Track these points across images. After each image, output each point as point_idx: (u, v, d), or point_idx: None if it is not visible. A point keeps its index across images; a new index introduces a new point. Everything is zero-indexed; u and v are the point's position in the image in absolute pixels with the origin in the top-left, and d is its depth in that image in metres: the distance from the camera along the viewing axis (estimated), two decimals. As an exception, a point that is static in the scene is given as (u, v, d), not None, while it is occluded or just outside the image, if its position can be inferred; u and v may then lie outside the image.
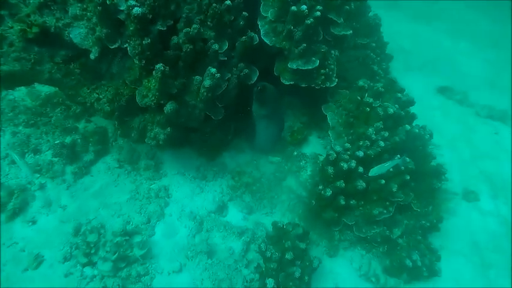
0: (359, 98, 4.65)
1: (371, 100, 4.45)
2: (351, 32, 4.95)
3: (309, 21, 4.21)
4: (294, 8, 4.17)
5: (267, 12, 4.44)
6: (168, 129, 3.88)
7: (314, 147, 5.27)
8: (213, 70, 3.72)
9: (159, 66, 3.35)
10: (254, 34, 4.29)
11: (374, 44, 6.51)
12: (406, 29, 10.87)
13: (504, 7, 13.79)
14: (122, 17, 3.40)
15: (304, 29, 4.29)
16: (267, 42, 4.45)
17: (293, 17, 4.24)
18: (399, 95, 4.74)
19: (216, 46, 3.80)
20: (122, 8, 3.37)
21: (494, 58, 10.23)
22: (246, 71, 4.26)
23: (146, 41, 3.35)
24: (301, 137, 5.15)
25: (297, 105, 5.57)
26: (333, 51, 4.86)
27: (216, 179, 4.74)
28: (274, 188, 4.79)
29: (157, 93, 3.59)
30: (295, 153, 5.09)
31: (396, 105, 4.63)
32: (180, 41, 3.67)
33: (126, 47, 3.48)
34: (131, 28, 3.30)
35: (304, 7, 4.17)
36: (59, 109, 4.40)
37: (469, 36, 11.46)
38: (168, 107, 3.65)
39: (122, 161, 4.38)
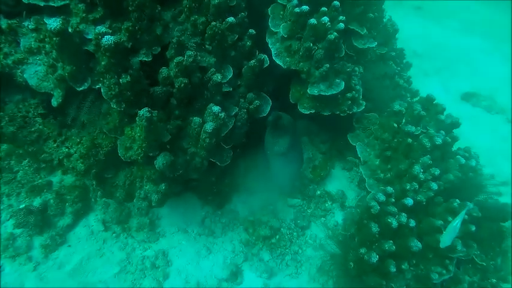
0: (395, 125, 3.71)
1: (413, 129, 3.51)
2: (376, 43, 4.03)
3: (332, 36, 3.28)
4: (313, 20, 3.24)
5: (278, 27, 3.51)
6: (162, 186, 2.95)
7: (340, 182, 4.33)
8: (216, 109, 2.79)
9: (144, 112, 2.41)
10: (264, 56, 3.36)
11: (394, 53, 5.62)
12: (414, 29, 9.93)
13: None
14: (90, 48, 2.47)
15: (327, 46, 3.36)
16: (280, 64, 3.52)
17: (312, 31, 3.31)
18: (442, 116, 3.80)
19: (218, 77, 2.86)
20: (89, 37, 2.44)
21: (514, 54, 9.27)
22: (257, 102, 3.32)
23: (125, 78, 2.41)
24: (325, 173, 4.21)
25: (314, 130, 4.64)
26: (356, 68, 3.93)
27: (225, 234, 3.78)
28: (297, 239, 3.84)
29: (144, 145, 2.65)
30: (318, 192, 4.14)
31: (442, 132, 3.68)
32: (172, 73, 2.74)
33: (100, 88, 2.55)
34: (103, 63, 2.37)
35: (325, 19, 3.24)
36: (26, 161, 3.45)
37: (482, 32, 10.50)
38: (160, 161, 2.71)
39: (109, 222, 3.42)
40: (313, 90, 3.52)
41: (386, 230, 2.99)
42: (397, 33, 5.70)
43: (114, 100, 2.52)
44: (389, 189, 3.24)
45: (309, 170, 4.21)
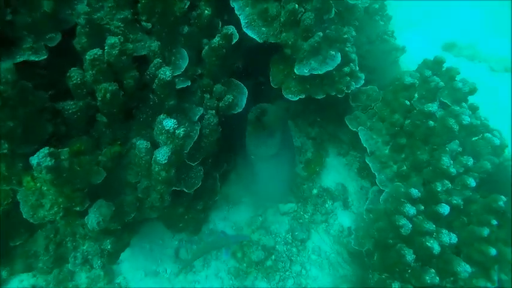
0: (407, 102, 2.79)
1: (434, 107, 2.61)
2: (369, -4, 2.99)
3: (325, -9, 2.21)
4: (297, -31, 2.13)
5: (246, -17, 2.37)
6: (108, 243, 1.91)
7: (337, 172, 3.44)
8: (170, 124, 1.71)
9: (41, 160, 1.31)
10: (231, 28, 2.25)
11: (377, 6, 4.60)
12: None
13: None
14: None
15: (318, 6, 2.30)
16: (254, 37, 2.42)
17: (297, -14, 2.22)
18: (458, 84, 2.92)
19: (166, 73, 1.75)
20: None
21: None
22: (230, 98, 2.26)
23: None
24: (320, 168, 3.30)
25: (298, 110, 3.67)
26: (345, 30, 2.90)
27: (208, 265, 2.86)
28: (298, 256, 3.00)
29: (60, 200, 1.58)
30: (315, 190, 3.25)
31: (464, 104, 2.85)
32: (88, 76, 1.60)
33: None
34: None
35: (314, -35, 2.15)
36: None
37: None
38: (94, 220, 1.65)
39: (42, 286, 2.37)
40: (302, 70, 2.48)
41: (422, 252, 2.18)
42: (380, -21, 4.65)
43: (-16, 140, 1.39)
44: (415, 192, 2.39)
45: (301, 166, 3.29)
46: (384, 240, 2.36)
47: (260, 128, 2.46)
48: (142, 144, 1.73)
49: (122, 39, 1.57)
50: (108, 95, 1.57)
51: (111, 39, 1.53)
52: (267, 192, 2.96)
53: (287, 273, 2.89)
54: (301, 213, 3.17)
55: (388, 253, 2.30)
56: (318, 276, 2.88)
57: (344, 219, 3.15)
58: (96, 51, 1.46)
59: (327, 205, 3.21)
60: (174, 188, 2.13)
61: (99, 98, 1.58)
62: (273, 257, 2.93)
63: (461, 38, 6.83)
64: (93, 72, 1.52)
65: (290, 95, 2.66)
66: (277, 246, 2.98)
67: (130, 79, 1.68)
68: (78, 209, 1.67)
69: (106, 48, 1.55)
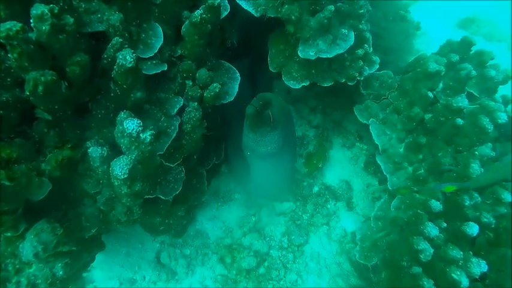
0: (430, 94, 2.32)
1: (464, 103, 2.15)
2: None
3: (341, -49, 1.69)
4: None
5: None
6: (59, 267, 1.52)
7: (341, 167, 3.02)
8: (132, 126, 1.27)
9: None
10: (220, -2, 1.74)
11: (393, -26, 3.99)
12: None
13: None
14: None
15: (331, -29, 1.78)
16: (249, 9, 1.92)
17: None
18: (491, 72, 2.43)
19: (126, 57, 1.28)
20: None
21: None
22: (217, 86, 1.80)
23: None
24: (323, 163, 2.88)
25: (299, 94, 3.21)
26: (362, 2, 2.36)
27: (193, 271, 2.51)
28: (294, 263, 2.64)
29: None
30: (316, 188, 2.85)
31: (497, 97, 2.39)
32: (14, 60, 1.14)
33: None
34: None
35: None
36: None
37: None
38: (30, 250, 1.24)
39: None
40: (307, 52, 2.01)
41: (444, 282, 1.80)
42: None
43: None
44: (436, 204, 1.98)
45: (302, 161, 2.87)
46: (395, 261, 1.98)
47: (261, 123, 1.98)
48: (95, 152, 1.29)
49: (56, 9, 1.09)
50: (40, 88, 1.11)
51: (38, 9, 1.04)
52: (263, 191, 2.55)
53: (281, 282, 2.55)
54: (300, 213, 2.79)
55: (401, 276, 1.93)
56: None
57: (347, 222, 2.77)
58: (10, 26, 0.99)
59: (329, 205, 2.82)
60: (147, 196, 1.72)
61: (27, 92, 1.13)
62: (266, 263, 2.58)
63: (477, 11, 6.18)
64: (15, 56, 1.06)
65: (291, 82, 2.20)
66: (271, 252, 2.62)
67: (76, 66, 1.21)
68: (9, 234, 1.26)
69: (33, 20, 1.08)
